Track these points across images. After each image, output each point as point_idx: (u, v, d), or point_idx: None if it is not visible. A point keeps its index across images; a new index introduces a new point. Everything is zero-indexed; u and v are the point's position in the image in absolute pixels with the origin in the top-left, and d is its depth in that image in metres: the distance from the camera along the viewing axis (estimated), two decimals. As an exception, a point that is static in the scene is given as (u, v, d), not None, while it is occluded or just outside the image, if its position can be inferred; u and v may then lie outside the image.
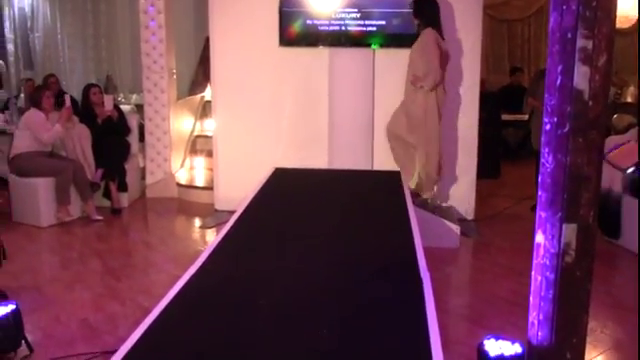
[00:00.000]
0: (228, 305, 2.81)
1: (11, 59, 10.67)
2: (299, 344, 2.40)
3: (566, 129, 2.65)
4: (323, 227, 4.20)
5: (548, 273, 2.79)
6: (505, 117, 8.57)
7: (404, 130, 5.37)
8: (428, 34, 5.12)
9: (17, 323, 3.37)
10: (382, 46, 5.66)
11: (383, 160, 5.81)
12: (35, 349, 3.43)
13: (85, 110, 6.50)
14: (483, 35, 6.05)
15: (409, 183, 5.38)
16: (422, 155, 5.32)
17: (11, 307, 3.36)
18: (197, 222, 6.08)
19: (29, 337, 3.46)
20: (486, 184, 6.99)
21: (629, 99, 9.38)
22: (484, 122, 6.89)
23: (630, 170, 5.09)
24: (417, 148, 5.33)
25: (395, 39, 5.65)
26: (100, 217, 6.04)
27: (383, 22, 5.62)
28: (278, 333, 2.52)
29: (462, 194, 5.86)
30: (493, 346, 2.90)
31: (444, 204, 5.80)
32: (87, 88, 6.64)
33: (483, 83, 9.52)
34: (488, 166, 7.42)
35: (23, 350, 3.39)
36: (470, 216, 5.89)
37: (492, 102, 7.97)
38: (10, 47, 10.71)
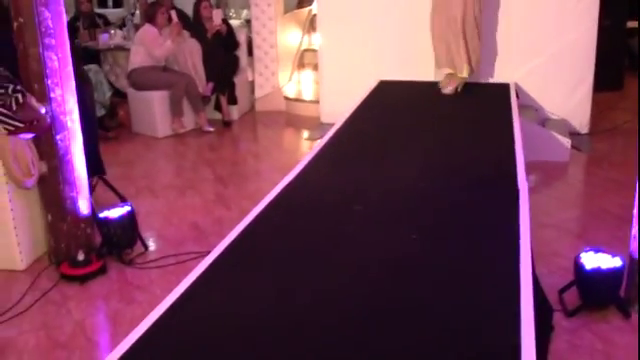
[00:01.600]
0: (323, 210, 2.89)
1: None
2: (389, 247, 2.45)
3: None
4: (424, 138, 4.16)
5: (655, 184, 2.65)
6: (631, 24, 7.92)
7: (446, 22, 5.06)
8: None
9: (133, 223, 3.65)
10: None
11: (491, 71, 5.61)
12: (149, 247, 3.71)
13: (196, 24, 6.66)
14: None
15: (462, 74, 5.16)
16: (471, 37, 5.09)
17: (127, 209, 3.63)
18: (304, 134, 6.20)
19: (144, 236, 3.75)
20: (606, 96, 6.59)
21: None
22: (607, 29, 6.43)
23: None
24: (464, 33, 5.06)
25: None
26: (211, 129, 6.29)
27: None
28: (370, 236, 2.58)
29: (576, 106, 5.56)
30: (591, 259, 2.82)
31: (556, 117, 5.54)
32: (198, 2, 6.76)
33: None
34: (610, 77, 6.98)
35: (139, 247, 3.68)
36: (584, 130, 5.61)
37: (617, 6, 7.38)
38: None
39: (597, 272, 2.78)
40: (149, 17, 6.30)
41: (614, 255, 2.84)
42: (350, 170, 3.49)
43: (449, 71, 5.20)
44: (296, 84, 7.55)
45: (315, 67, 7.28)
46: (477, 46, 5.16)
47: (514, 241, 2.37)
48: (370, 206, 2.90)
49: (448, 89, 5.13)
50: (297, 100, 7.10)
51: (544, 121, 5.51)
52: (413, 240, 2.49)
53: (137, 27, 7.03)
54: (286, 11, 7.51)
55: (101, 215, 3.55)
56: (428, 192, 3.08)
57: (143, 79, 6.13)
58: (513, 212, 2.68)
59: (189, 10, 6.92)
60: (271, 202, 2.93)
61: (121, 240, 3.57)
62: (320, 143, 3.98)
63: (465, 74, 5.18)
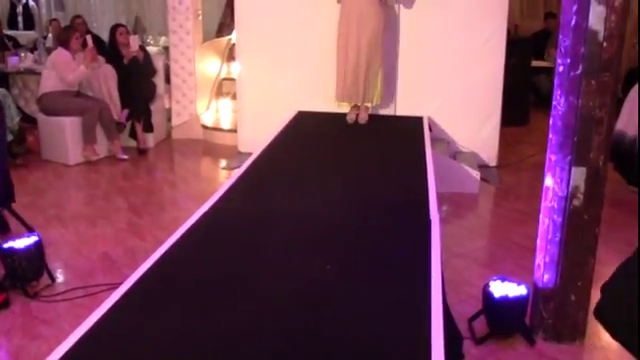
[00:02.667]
0: (237, 240, 2.89)
1: (43, 0, 10.75)
2: (304, 278, 2.47)
3: (579, 71, 2.61)
4: (340, 168, 4.24)
5: (556, 216, 2.80)
6: (536, 64, 8.39)
7: (357, 53, 5.26)
8: None
9: (39, 254, 3.50)
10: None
11: (405, 105, 5.79)
12: (56, 279, 3.58)
13: (112, 50, 6.55)
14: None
15: (373, 102, 5.42)
16: (377, 67, 5.33)
17: (34, 239, 3.49)
18: (221, 163, 6.16)
19: (52, 268, 3.61)
20: (513, 131, 6.91)
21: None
22: (514, 68, 6.77)
23: None
24: (372, 63, 5.28)
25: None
26: (126, 156, 6.16)
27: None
28: (285, 267, 2.59)
29: (485, 140, 5.80)
30: (498, 287, 2.93)
31: (466, 150, 5.76)
32: (114, 28, 6.67)
33: (516, 28, 9.33)
34: (516, 113, 7.32)
35: (46, 279, 3.54)
36: (493, 163, 5.85)
37: (523, 48, 7.80)
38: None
39: (504, 300, 2.89)
40: (62, 41, 6.14)
41: (519, 283, 2.96)
42: (266, 200, 3.51)
43: (352, 104, 5.43)
44: (214, 113, 7.53)
45: (233, 96, 7.29)
46: (381, 78, 5.38)
47: (426, 270, 2.44)
48: (286, 236, 2.92)
49: (363, 119, 5.35)
50: (215, 129, 7.06)
51: (455, 154, 5.71)
52: (328, 270, 2.53)
53: (49, 50, 6.84)
54: (205, 40, 7.51)
55: (5, 246, 3.39)
56: (343, 222, 3.13)
57: (54, 104, 5.95)
58: (425, 242, 2.76)
59: (105, 35, 6.81)
60: (186, 231, 2.91)
61: (26, 272, 3.41)
62: (237, 172, 3.98)
63: (373, 103, 5.42)
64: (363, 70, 5.26)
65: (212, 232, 2.95)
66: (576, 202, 2.71)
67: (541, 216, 2.90)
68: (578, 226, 2.76)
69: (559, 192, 2.74)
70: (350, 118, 5.40)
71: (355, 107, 5.42)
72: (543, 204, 2.86)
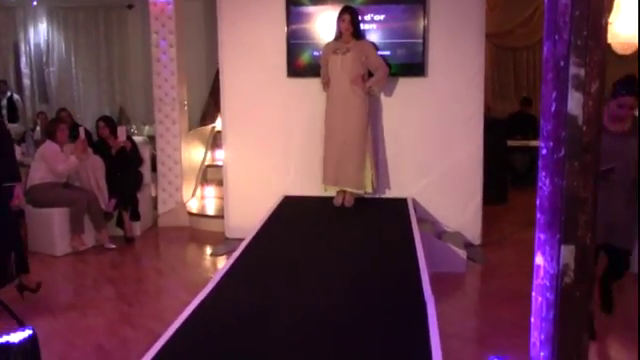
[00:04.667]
0: (234, 332, 2.91)
1: (27, 93, 10.94)
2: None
3: (561, 153, 2.74)
4: (330, 253, 4.29)
5: (548, 294, 2.86)
6: (512, 143, 8.66)
7: (344, 140, 5.44)
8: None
9: (34, 349, 3.46)
10: (390, 75, 5.76)
11: (390, 187, 5.92)
12: (51, 374, 3.53)
13: (99, 142, 6.65)
14: (489, 63, 6.18)
15: (364, 189, 5.56)
16: (369, 154, 5.52)
17: (28, 332, 3.45)
18: (208, 250, 6.18)
19: (45, 362, 3.56)
20: (493, 210, 7.05)
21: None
22: (491, 148, 6.99)
23: None
24: (359, 150, 5.46)
25: (400, 68, 5.78)
26: (113, 246, 6.16)
27: (388, 52, 5.75)
28: (284, 357, 2.61)
29: (469, 220, 5.92)
30: (496, 366, 2.95)
31: (451, 230, 5.87)
32: (98, 121, 6.80)
33: (488, 110, 9.67)
34: (495, 192, 7.49)
35: (40, 375, 3.48)
36: (477, 241, 5.95)
37: (498, 128, 8.07)
38: (26, 82, 11.00)
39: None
40: (49, 134, 6.25)
41: (517, 362, 2.99)
42: (261, 288, 3.54)
43: (339, 188, 5.57)
44: (199, 200, 7.60)
45: (218, 182, 7.40)
46: (371, 166, 5.55)
47: (426, 355, 2.48)
48: (283, 326, 2.94)
49: (349, 202, 5.50)
50: (201, 215, 7.12)
51: (440, 234, 5.81)
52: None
53: (37, 143, 6.93)
54: (190, 128, 7.66)
55: (1, 340, 3.35)
56: (340, 309, 3.16)
57: (43, 196, 5.98)
58: (422, 324, 2.81)
59: (89, 126, 6.93)
60: (183, 323, 2.92)
61: (21, 367, 3.37)
62: (230, 260, 4.02)
63: (368, 190, 5.56)
64: (350, 156, 5.43)
65: (209, 324, 2.97)
66: (567, 279, 2.79)
67: (533, 294, 2.96)
68: (571, 303, 2.82)
69: (550, 270, 2.82)
70: (337, 202, 5.53)
71: (342, 191, 5.55)
72: (535, 282, 2.93)
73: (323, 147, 5.58)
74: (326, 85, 5.55)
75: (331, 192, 5.62)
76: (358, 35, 5.46)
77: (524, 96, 10.05)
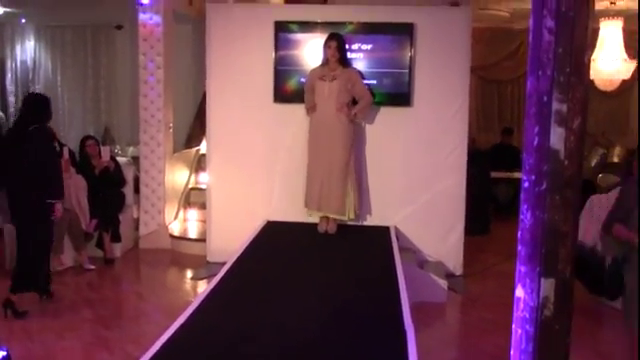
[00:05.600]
0: (213, 358, 2.88)
1: (12, 110, 10.88)
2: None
3: (543, 187, 2.77)
4: (311, 280, 4.29)
5: (528, 326, 2.87)
6: (495, 174, 8.73)
7: (328, 166, 5.49)
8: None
9: (7, 370, 3.41)
10: (375, 104, 5.81)
11: (372, 215, 5.94)
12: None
13: (82, 161, 6.62)
14: (474, 95, 6.25)
15: (347, 216, 5.57)
16: (352, 181, 5.56)
17: (2, 354, 3.41)
18: (189, 274, 6.13)
19: (18, 384, 3.50)
20: (475, 240, 7.07)
21: (615, 159, 9.58)
22: (474, 179, 7.04)
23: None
24: (342, 176, 5.50)
25: (385, 98, 5.83)
26: (92, 267, 6.10)
27: (374, 81, 5.81)
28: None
29: (450, 250, 5.94)
30: (475, 398, 2.95)
31: (432, 259, 5.88)
32: (83, 140, 6.78)
33: (473, 141, 9.78)
34: (477, 223, 7.52)
35: (12, 397, 3.42)
36: (458, 272, 5.96)
37: (482, 160, 8.14)
38: (11, 99, 10.94)
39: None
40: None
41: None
42: (240, 314, 3.52)
43: (322, 214, 5.57)
44: (181, 222, 7.56)
45: (201, 206, 7.36)
46: (354, 192, 5.58)
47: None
48: (262, 353, 2.92)
49: (332, 229, 5.52)
50: (182, 238, 7.08)
51: (422, 263, 5.81)
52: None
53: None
54: (175, 150, 7.65)
55: (-27, 361, 3.30)
56: (320, 336, 3.15)
57: (23, 214, 5.92)
58: (401, 353, 2.80)
59: (72, 145, 6.89)
60: (161, 347, 2.89)
61: (-7, 389, 3.32)
62: (211, 284, 3.99)
63: (350, 217, 5.57)
64: (333, 183, 5.47)
65: (188, 349, 2.94)
66: (547, 312, 2.79)
67: (513, 326, 2.97)
68: (550, 336, 2.83)
69: (530, 302, 2.83)
70: (321, 228, 5.56)
71: (325, 217, 5.57)
72: (515, 314, 2.93)
73: (306, 171, 5.61)
74: (311, 110, 5.59)
75: (314, 218, 5.62)
76: (344, 62, 5.52)
77: (505, 126, 10.15)
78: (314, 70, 5.62)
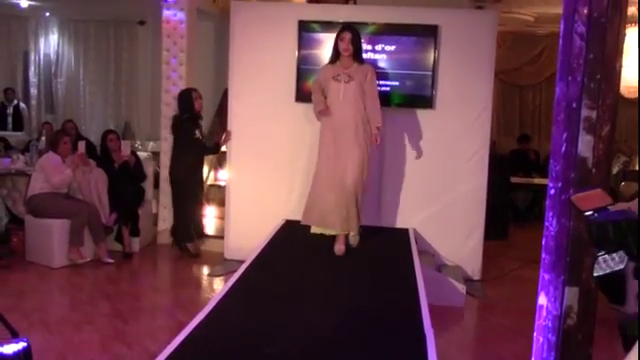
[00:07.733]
0: (229, 357, 2.88)
1: (33, 102, 10.99)
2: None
3: (570, 194, 2.75)
4: (330, 281, 4.28)
5: (550, 335, 2.85)
6: (514, 180, 8.67)
7: (340, 180, 4.89)
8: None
9: (27, 361, 3.43)
10: (397, 105, 5.80)
11: (391, 217, 5.92)
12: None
13: (103, 155, 6.66)
14: (495, 99, 6.20)
15: (355, 231, 5.01)
16: (360, 197, 4.95)
17: (22, 345, 3.42)
18: (206, 270, 6.15)
19: (37, 375, 3.51)
20: (493, 245, 7.02)
21: (637, 167, 9.46)
22: (494, 184, 7.00)
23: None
24: (357, 192, 4.91)
25: (408, 99, 5.81)
26: (111, 260, 6.13)
27: (397, 83, 5.79)
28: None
29: (469, 254, 5.90)
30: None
31: (451, 263, 5.85)
32: (105, 134, 6.81)
33: (494, 145, 9.73)
34: (496, 227, 7.47)
35: (31, 389, 3.43)
36: (477, 276, 5.92)
37: (502, 165, 8.09)
38: (33, 91, 11.06)
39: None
40: (52, 145, 6.26)
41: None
42: (259, 311, 3.52)
43: (323, 230, 5.04)
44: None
45: (219, 202, 7.37)
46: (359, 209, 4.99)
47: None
48: (279, 354, 2.92)
49: (341, 250, 4.92)
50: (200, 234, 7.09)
51: (440, 267, 5.79)
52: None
53: (41, 153, 6.93)
54: (195, 147, 7.66)
55: (-6, 351, 3.32)
56: (337, 340, 3.14)
57: (43, 206, 5.97)
58: (421, 357, 2.78)
59: (93, 139, 6.95)
60: (180, 344, 2.89)
61: (12, 380, 3.33)
62: (229, 282, 4.00)
63: (353, 232, 5.05)
64: (344, 199, 4.88)
65: (206, 347, 2.94)
66: (570, 321, 2.78)
67: (535, 334, 2.95)
68: (572, 346, 2.81)
69: (553, 311, 2.81)
70: (339, 249, 4.91)
71: (341, 237, 4.96)
72: (537, 322, 2.91)
73: (312, 182, 5.14)
74: (323, 113, 4.99)
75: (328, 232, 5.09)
76: (359, 58, 4.97)
77: (522, 133, 10.09)
78: (325, 68, 5.09)
